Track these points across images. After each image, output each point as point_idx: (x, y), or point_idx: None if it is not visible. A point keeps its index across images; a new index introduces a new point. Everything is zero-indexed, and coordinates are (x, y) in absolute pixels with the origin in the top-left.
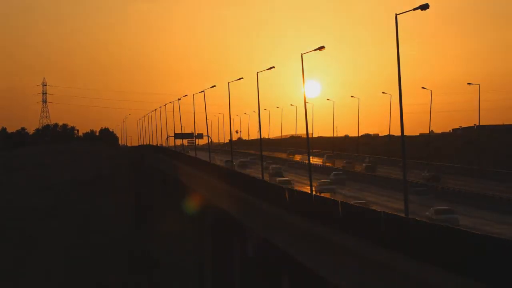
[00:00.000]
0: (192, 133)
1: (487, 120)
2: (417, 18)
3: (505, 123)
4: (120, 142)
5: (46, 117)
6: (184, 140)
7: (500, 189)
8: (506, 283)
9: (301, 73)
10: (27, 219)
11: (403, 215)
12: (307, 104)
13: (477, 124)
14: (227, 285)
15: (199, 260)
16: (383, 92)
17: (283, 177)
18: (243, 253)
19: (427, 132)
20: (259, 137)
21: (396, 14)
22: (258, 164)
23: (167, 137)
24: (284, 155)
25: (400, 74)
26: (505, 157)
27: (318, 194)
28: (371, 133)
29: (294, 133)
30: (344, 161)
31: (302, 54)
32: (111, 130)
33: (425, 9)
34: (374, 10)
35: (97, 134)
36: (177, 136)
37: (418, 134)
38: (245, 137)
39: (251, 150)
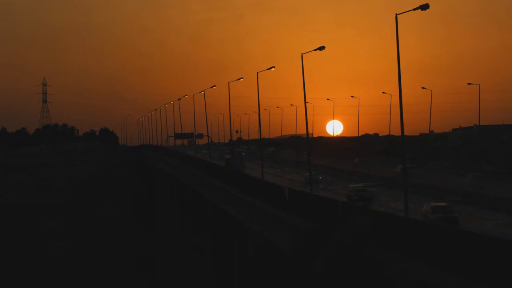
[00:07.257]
0: (192, 133)
1: (487, 120)
2: (417, 18)
3: (505, 123)
4: (120, 142)
5: (46, 117)
6: (184, 140)
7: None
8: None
9: (301, 73)
10: (27, 219)
11: None
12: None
13: (477, 124)
14: (227, 285)
15: (199, 259)
16: (383, 92)
17: None
18: (243, 253)
19: (427, 132)
20: (259, 137)
21: (396, 14)
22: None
23: (167, 137)
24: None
25: (400, 74)
26: (505, 157)
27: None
28: (371, 133)
29: (294, 133)
30: None
31: (302, 54)
32: (111, 130)
33: (425, 9)
34: (374, 10)
35: (97, 134)
36: (177, 136)
37: (418, 134)
38: (245, 137)
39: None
